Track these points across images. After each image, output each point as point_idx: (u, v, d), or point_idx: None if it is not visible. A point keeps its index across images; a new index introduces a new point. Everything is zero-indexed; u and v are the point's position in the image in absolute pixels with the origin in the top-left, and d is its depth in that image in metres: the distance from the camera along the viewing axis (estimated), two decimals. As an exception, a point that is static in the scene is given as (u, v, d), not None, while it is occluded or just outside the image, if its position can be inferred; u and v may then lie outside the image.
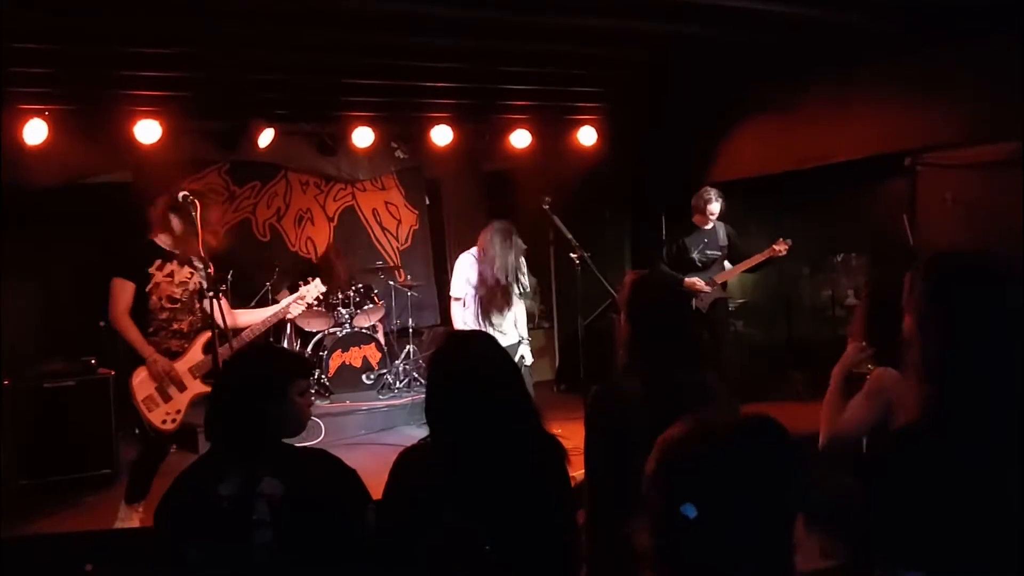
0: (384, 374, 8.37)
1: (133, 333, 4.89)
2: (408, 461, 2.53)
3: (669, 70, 7.50)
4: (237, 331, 5.13)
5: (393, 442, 7.15)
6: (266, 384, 2.63)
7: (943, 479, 1.80)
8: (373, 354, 8.40)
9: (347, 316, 8.37)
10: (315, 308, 8.29)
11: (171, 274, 5.03)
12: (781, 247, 7.19)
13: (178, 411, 4.98)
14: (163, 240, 5.05)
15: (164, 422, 4.95)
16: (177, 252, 5.07)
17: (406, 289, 8.92)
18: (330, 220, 9.55)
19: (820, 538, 2.32)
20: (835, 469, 3.06)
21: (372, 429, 7.57)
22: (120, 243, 5.33)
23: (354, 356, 8.30)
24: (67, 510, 5.66)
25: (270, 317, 5.22)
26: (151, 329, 4.96)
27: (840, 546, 2.30)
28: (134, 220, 5.44)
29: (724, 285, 7.50)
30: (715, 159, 8.48)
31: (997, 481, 1.79)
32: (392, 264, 9.69)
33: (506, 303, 6.20)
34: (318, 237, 9.34)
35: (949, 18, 5.80)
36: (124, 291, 4.90)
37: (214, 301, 4.79)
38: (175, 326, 5.04)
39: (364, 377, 8.34)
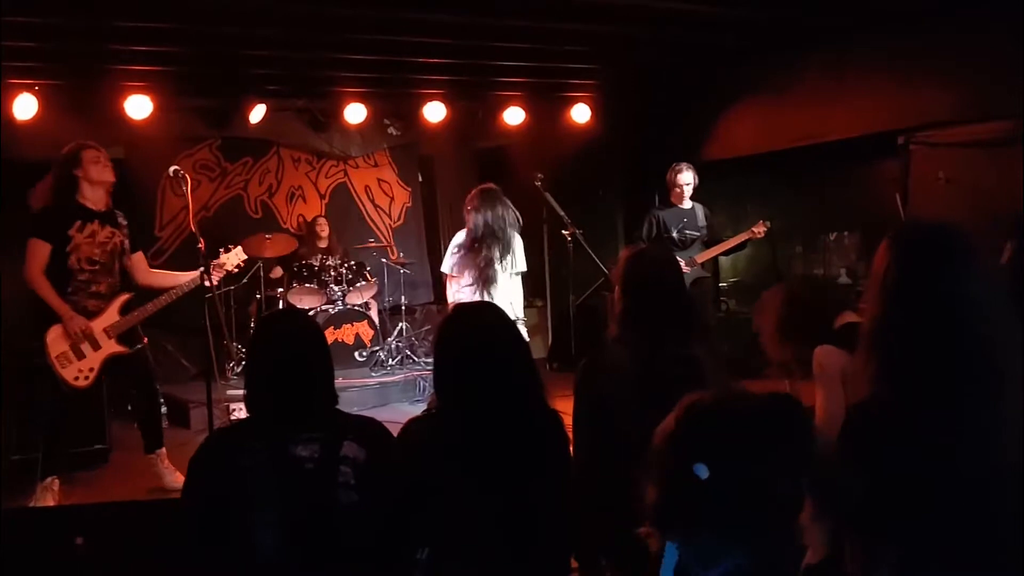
0: (377, 351, 8.37)
1: (48, 292, 4.93)
2: (416, 430, 2.55)
3: (663, 48, 7.47)
4: (152, 291, 5.25)
5: (385, 419, 7.12)
6: (326, 346, 2.66)
7: (901, 454, 1.80)
8: (366, 331, 8.40)
9: (339, 293, 8.36)
10: (307, 285, 8.29)
11: (92, 235, 5.04)
12: (759, 229, 7.22)
13: (91, 369, 5.03)
14: (87, 199, 5.06)
15: (77, 379, 5.00)
16: (99, 210, 5.09)
17: (399, 267, 8.91)
18: (322, 197, 9.53)
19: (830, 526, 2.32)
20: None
21: (365, 406, 7.55)
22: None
23: (347, 333, 8.30)
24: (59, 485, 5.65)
25: (188, 283, 5.20)
26: (70, 289, 4.99)
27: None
28: (126, 196, 5.52)
29: (704, 264, 7.50)
30: (708, 137, 8.47)
31: (957, 457, 1.80)
32: (384, 241, 9.67)
33: (489, 264, 5.80)
34: (310, 214, 9.31)
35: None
36: (40, 252, 4.94)
37: (209, 277, 4.98)
38: (94, 288, 5.06)
39: (357, 354, 8.34)
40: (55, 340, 4.96)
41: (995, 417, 1.79)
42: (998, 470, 1.78)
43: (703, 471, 1.47)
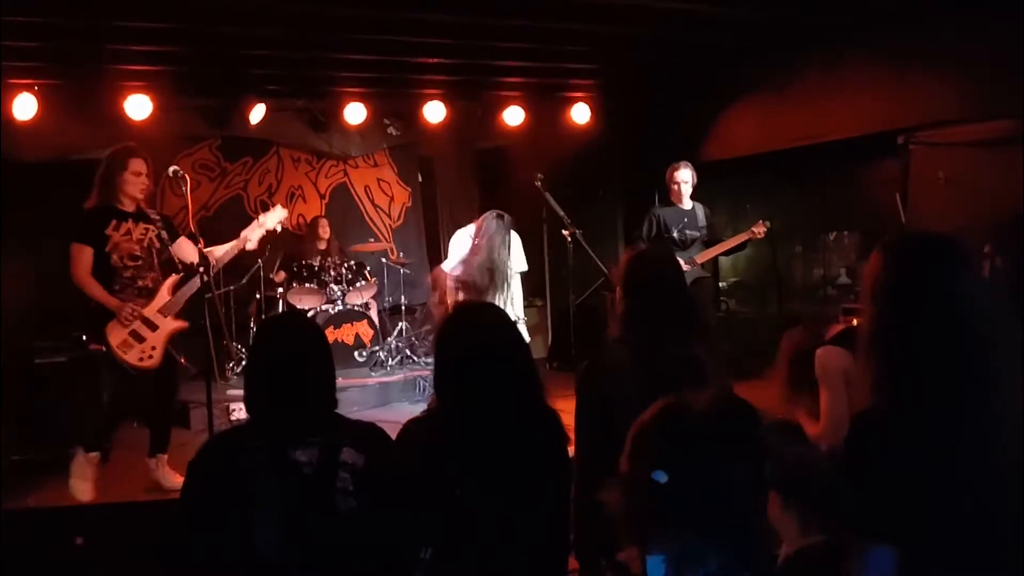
0: (376, 351, 8.37)
1: (97, 290, 5.08)
2: (415, 430, 2.55)
3: (663, 48, 7.47)
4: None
5: (386, 419, 7.13)
6: (328, 350, 2.66)
7: (902, 457, 1.80)
8: (365, 331, 8.40)
9: (339, 293, 8.36)
10: (307, 285, 8.29)
11: (127, 232, 5.19)
12: (759, 229, 7.22)
13: (153, 348, 5.18)
14: (119, 201, 5.22)
15: (142, 359, 5.14)
16: (131, 211, 5.24)
17: (398, 266, 8.91)
18: (322, 197, 9.53)
19: (799, 516, 2.35)
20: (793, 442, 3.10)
21: (365, 406, 7.57)
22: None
23: (346, 333, 8.29)
24: (58, 485, 5.65)
25: (232, 247, 5.39)
26: (116, 287, 5.14)
27: (820, 521, 2.33)
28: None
29: (704, 265, 7.51)
30: (708, 137, 8.47)
31: (958, 458, 1.80)
32: (384, 241, 9.67)
33: (491, 286, 6.14)
34: (310, 214, 9.31)
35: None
36: (84, 255, 5.10)
37: (211, 279, 5.04)
38: (140, 283, 5.21)
39: (356, 354, 8.34)
40: (113, 331, 5.10)
41: (995, 418, 1.79)
42: (998, 471, 1.79)
43: (661, 476, 1.52)
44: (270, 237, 5.99)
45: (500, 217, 6.20)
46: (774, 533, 1.60)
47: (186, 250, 5.36)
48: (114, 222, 5.16)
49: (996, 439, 1.79)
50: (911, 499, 1.78)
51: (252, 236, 5.45)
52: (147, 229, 5.26)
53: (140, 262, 5.21)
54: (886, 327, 1.89)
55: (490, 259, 6.09)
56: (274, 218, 5.55)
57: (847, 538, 1.84)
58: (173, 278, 5.28)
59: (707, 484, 1.53)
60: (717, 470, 1.53)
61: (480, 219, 6.32)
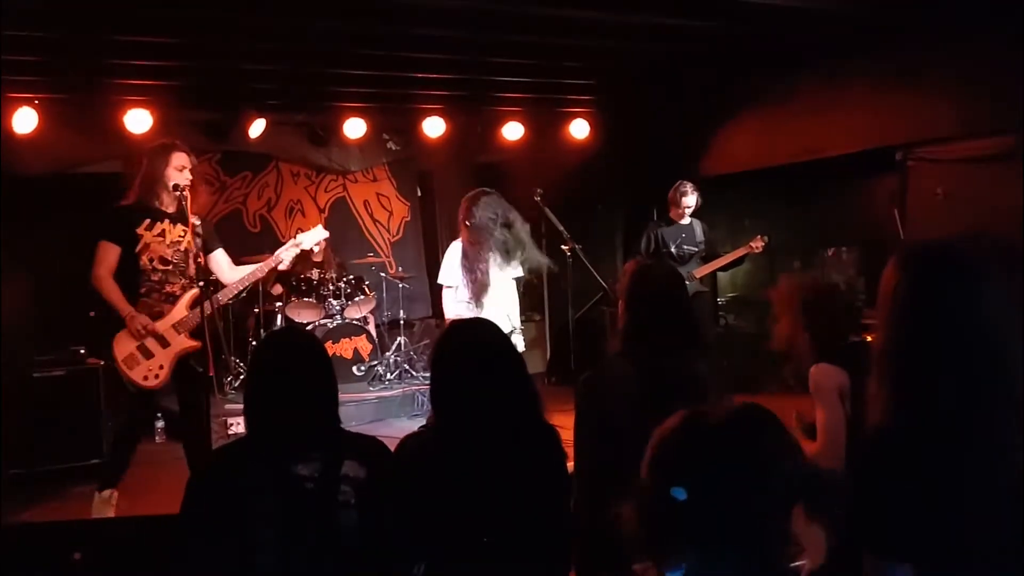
0: (375, 366, 8.36)
1: (114, 294, 4.79)
2: (412, 446, 2.55)
3: (662, 63, 7.50)
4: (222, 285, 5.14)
5: (384, 434, 7.12)
6: (329, 364, 2.64)
7: (919, 478, 1.79)
8: (364, 346, 8.39)
9: (338, 307, 8.35)
10: (305, 299, 8.28)
11: (162, 233, 4.92)
12: (757, 244, 7.24)
13: (161, 367, 4.84)
14: (160, 199, 4.95)
15: (146, 378, 4.81)
16: (170, 211, 4.97)
17: (397, 281, 8.91)
18: (321, 211, 9.53)
19: (825, 530, 2.31)
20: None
21: (363, 421, 7.56)
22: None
23: (345, 347, 8.28)
24: (56, 499, 5.64)
25: (263, 266, 5.17)
26: (143, 290, 4.86)
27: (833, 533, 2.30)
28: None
29: (703, 280, 7.52)
30: (707, 153, 8.49)
31: (976, 476, 1.79)
32: (383, 256, 9.67)
33: (485, 273, 5.64)
34: (308, 229, 9.29)
35: (943, 11, 5.82)
36: (108, 254, 4.82)
37: (209, 289, 4.82)
38: (167, 288, 4.92)
39: (355, 369, 8.33)
40: (121, 343, 4.80)
41: (1012, 436, 1.78)
42: (1013, 489, 1.78)
43: (681, 493, 1.47)
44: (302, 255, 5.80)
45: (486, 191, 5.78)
46: (797, 547, 1.54)
47: (221, 265, 5.18)
48: (148, 221, 4.88)
49: (1012, 458, 1.77)
50: (925, 517, 1.76)
51: (286, 256, 5.23)
52: (185, 232, 4.95)
53: (171, 267, 4.92)
54: (902, 341, 1.86)
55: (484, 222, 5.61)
56: (311, 239, 5.37)
57: (861, 555, 1.83)
58: (193, 293, 4.95)
59: (727, 497, 1.48)
60: (738, 482, 1.49)
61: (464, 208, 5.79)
